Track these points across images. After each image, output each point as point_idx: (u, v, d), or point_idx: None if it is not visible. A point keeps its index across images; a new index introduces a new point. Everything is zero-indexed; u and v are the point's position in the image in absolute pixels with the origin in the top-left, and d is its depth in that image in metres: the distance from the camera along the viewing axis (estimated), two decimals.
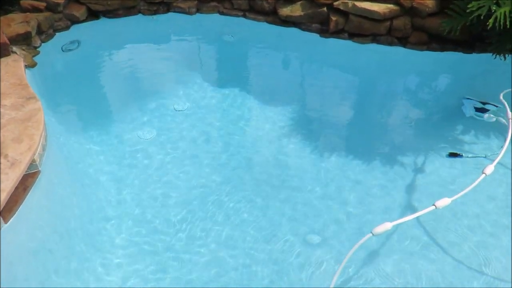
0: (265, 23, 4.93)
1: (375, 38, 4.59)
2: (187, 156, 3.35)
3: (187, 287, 2.46)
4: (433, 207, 2.43)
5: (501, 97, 3.62)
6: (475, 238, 2.76)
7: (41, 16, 4.42)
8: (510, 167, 3.21)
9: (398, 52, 4.51)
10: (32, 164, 2.52)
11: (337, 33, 4.66)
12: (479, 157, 3.33)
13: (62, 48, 4.48)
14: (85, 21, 4.81)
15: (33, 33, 4.26)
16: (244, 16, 5.02)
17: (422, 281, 2.53)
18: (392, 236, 2.75)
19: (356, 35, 4.61)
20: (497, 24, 3.51)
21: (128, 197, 2.99)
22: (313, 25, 4.76)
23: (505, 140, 3.11)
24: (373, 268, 2.58)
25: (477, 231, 2.80)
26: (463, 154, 3.36)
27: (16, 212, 2.28)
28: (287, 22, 4.83)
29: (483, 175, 2.67)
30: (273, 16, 4.91)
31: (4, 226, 2.19)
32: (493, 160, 2.87)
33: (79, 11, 4.71)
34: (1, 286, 1.97)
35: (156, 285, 2.47)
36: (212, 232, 2.78)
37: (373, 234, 2.27)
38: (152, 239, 2.73)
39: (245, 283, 2.47)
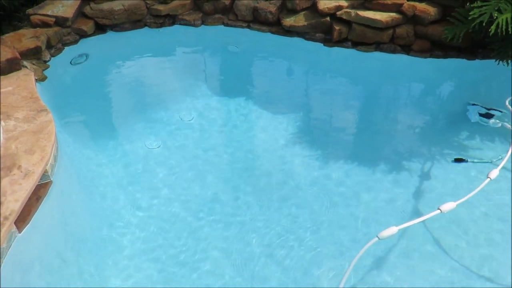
0: (269, 33, 5.01)
1: (378, 46, 4.64)
2: (195, 165, 3.40)
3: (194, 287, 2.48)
4: (438, 211, 2.44)
5: (507, 103, 3.63)
6: (481, 242, 2.76)
7: (50, 31, 4.54)
8: None
9: (402, 59, 4.55)
10: (44, 174, 2.58)
11: (340, 42, 4.72)
12: (484, 162, 3.34)
13: (71, 62, 4.58)
14: (93, 35, 4.92)
15: (43, 47, 4.36)
16: (249, 27, 5.10)
17: (428, 285, 2.53)
18: (398, 240, 2.76)
19: (359, 44, 4.67)
20: (499, 31, 3.55)
21: (138, 206, 3.03)
22: (317, 34, 4.83)
23: (510, 145, 3.12)
24: (379, 272, 2.59)
25: (483, 235, 2.80)
26: (469, 160, 3.37)
27: (30, 222, 2.34)
28: (290, 32, 4.91)
29: (488, 179, 2.69)
30: (277, 27, 4.99)
31: (19, 235, 2.25)
32: (498, 165, 2.88)
33: (87, 26, 4.82)
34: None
35: None
36: (218, 244, 2.81)
37: (379, 238, 2.28)
38: (162, 248, 2.76)
39: None
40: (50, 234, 2.47)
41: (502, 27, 3.54)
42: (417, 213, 2.94)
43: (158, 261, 2.68)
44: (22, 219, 2.32)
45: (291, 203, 3.06)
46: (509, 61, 4.00)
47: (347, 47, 4.70)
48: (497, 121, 3.71)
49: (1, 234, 2.08)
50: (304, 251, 2.72)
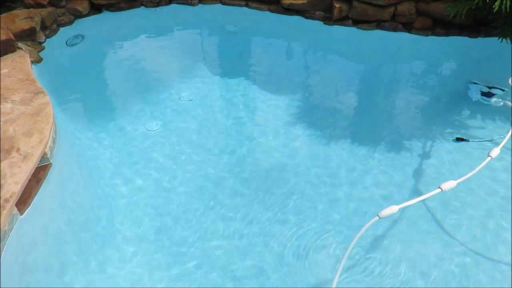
0: (268, 12, 4.92)
1: (379, 24, 4.56)
2: (195, 146, 3.38)
3: (192, 287, 2.49)
4: (439, 189, 2.44)
5: (510, 81, 3.60)
6: (481, 220, 2.78)
7: (44, 12, 4.45)
8: None
9: (403, 37, 4.49)
10: (43, 157, 2.57)
11: (341, 20, 4.64)
12: (485, 141, 3.33)
13: (66, 43, 4.51)
14: (88, 15, 4.83)
15: (37, 28, 4.28)
16: (247, 5, 5.01)
17: (429, 264, 2.56)
18: (399, 219, 2.78)
19: (360, 22, 4.59)
20: (503, 7, 3.48)
21: (138, 186, 3.03)
22: (317, 12, 4.74)
23: (511, 123, 3.10)
24: (380, 250, 2.61)
25: (483, 213, 2.81)
26: (470, 139, 3.36)
27: (31, 204, 2.34)
28: (290, 10, 4.82)
29: (489, 157, 2.68)
30: (276, 5, 4.89)
31: (20, 218, 2.25)
32: (499, 143, 2.86)
33: (82, 6, 4.73)
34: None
35: (165, 275, 2.52)
36: (220, 224, 2.82)
37: (379, 217, 2.28)
38: (161, 229, 2.77)
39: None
40: (51, 215, 2.47)
41: (506, 4, 3.46)
42: (417, 192, 2.95)
43: (159, 244, 2.69)
44: (23, 202, 2.32)
45: (291, 183, 3.06)
46: None
47: (348, 25, 4.63)
48: (499, 99, 3.68)
49: (2, 217, 2.09)
50: (304, 231, 2.73)
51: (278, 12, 4.88)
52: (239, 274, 2.51)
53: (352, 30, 4.58)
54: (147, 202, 2.93)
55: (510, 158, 3.16)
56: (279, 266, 2.55)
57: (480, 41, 4.35)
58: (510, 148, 3.22)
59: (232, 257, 2.60)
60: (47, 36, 4.45)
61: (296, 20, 4.78)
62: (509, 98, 3.60)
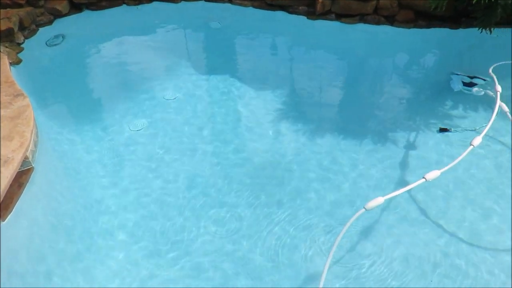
0: (251, 7, 4.90)
1: (362, 18, 4.59)
2: (179, 144, 3.35)
3: (190, 287, 2.48)
4: (423, 179, 2.47)
5: (490, 71, 3.66)
6: (465, 208, 2.82)
7: (22, 11, 4.35)
8: (510, 138, 3.27)
9: (386, 31, 4.52)
10: (25, 161, 2.51)
11: (324, 15, 4.65)
12: (468, 130, 3.38)
13: (46, 43, 4.42)
14: (68, 15, 4.75)
15: (16, 29, 4.19)
16: (230, 2, 4.98)
17: (416, 253, 2.59)
18: (385, 210, 2.81)
19: (343, 16, 4.61)
20: None
21: (122, 187, 2.99)
22: (300, 7, 4.74)
23: (492, 112, 3.15)
24: (368, 241, 2.63)
25: (467, 201, 2.86)
26: (452, 129, 3.41)
27: (13, 209, 2.29)
28: (273, 6, 4.81)
29: (471, 146, 2.72)
30: (259, 1, 4.88)
31: (3, 223, 2.20)
32: (481, 132, 2.91)
33: (61, 5, 4.64)
34: (2, 286, 1.98)
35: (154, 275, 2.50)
36: (208, 222, 2.81)
37: (366, 209, 2.30)
38: (148, 229, 2.75)
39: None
40: (35, 220, 2.43)
41: None
42: (403, 183, 2.98)
43: (145, 247, 2.66)
44: (5, 207, 2.27)
45: (278, 178, 3.06)
46: (492, 29, 3.99)
47: (331, 20, 4.64)
48: (480, 89, 3.74)
49: None
50: (292, 224, 2.74)
51: (261, 7, 4.87)
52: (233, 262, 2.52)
53: (336, 24, 4.60)
54: (133, 202, 2.90)
55: (492, 145, 3.22)
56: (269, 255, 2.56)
57: (461, 32, 4.41)
58: (493, 137, 3.28)
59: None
60: (26, 37, 4.36)
61: (279, 15, 4.77)
62: (490, 88, 3.66)
